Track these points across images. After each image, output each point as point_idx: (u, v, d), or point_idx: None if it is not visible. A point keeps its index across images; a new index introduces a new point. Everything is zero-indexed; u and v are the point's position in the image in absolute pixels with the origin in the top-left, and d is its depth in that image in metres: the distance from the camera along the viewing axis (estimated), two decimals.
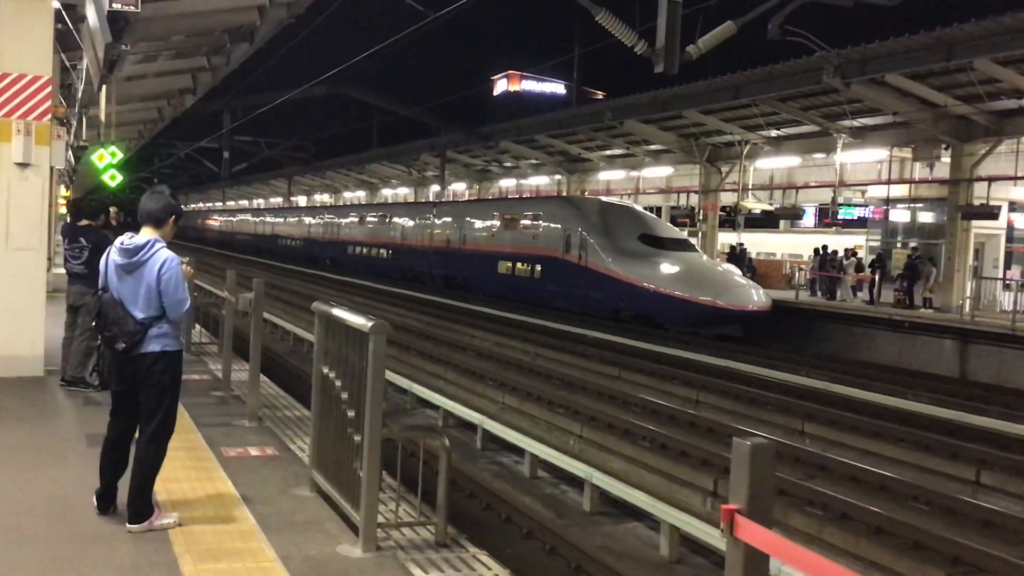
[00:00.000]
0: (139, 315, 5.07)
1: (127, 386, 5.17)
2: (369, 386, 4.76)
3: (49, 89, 9.50)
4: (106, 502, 5.27)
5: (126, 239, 5.16)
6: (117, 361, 5.14)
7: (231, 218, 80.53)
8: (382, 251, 42.49)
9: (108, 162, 19.16)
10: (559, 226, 27.50)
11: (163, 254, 5.10)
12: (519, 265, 29.71)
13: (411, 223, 39.42)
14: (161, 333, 5.11)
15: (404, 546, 5.07)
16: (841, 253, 26.53)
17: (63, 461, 6.44)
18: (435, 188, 47.26)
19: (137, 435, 5.22)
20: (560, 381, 15.75)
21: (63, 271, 9.56)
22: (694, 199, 31.83)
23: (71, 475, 6.03)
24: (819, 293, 26.59)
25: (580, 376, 16.30)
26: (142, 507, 5.08)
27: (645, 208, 30.91)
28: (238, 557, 4.76)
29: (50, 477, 6.03)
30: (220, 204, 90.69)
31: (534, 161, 39.62)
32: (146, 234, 5.20)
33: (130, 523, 5.06)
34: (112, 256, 5.17)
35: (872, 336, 21.44)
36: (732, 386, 15.37)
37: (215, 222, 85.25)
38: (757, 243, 35.34)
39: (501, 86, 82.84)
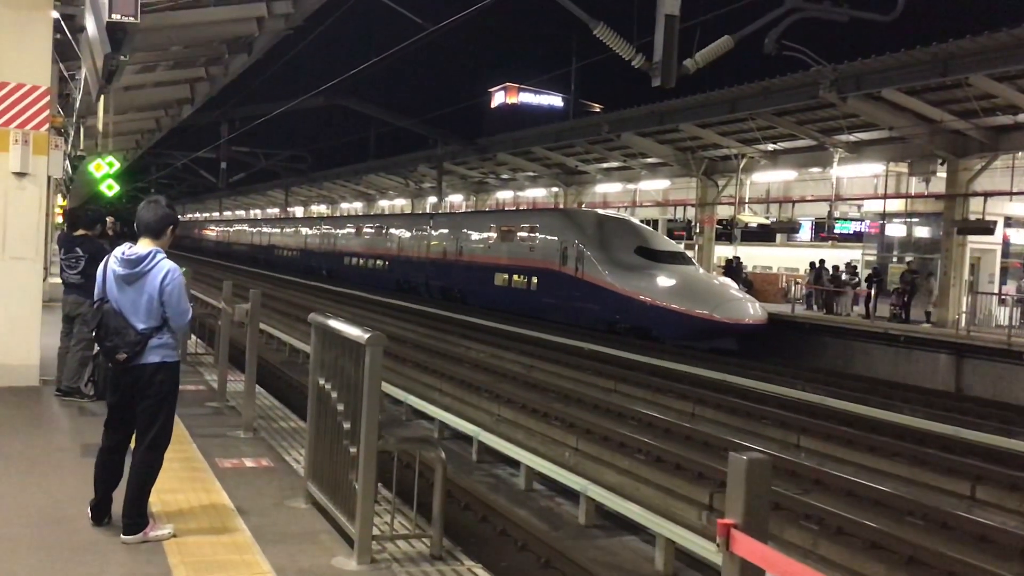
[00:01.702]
0: (140, 325, 5.07)
1: (124, 397, 5.16)
2: (365, 398, 4.75)
3: (47, 99, 9.52)
4: (100, 513, 5.26)
5: (126, 250, 5.16)
6: (116, 372, 5.13)
7: (228, 228, 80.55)
8: (379, 262, 42.50)
9: (105, 172, 19.19)
10: (556, 238, 27.54)
11: (165, 265, 5.11)
12: (515, 277, 29.73)
13: (408, 235, 39.46)
14: (161, 344, 5.13)
15: (399, 559, 5.06)
16: (842, 268, 26.58)
17: (58, 471, 6.42)
18: (432, 200, 47.29)
19: (133, 445, 5.21)
20: (556, 393, 15.74)
21: (59, 281, 9.56)
22: (691, 212, 31.87)
23: (65, 485, 6.01)
24: (815, 307, 26.64)
25: (576, 389, 16.29)
26: (137, 518, 5.06)
27: (642, 221, 30.96)
28: (232, 569, 4.75)
29: (44, 487, 6.01)
30: (217, 214, 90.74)
31: (531, 173, 39.67)
32: (145, 244, 5.19)
33: (125, 534, 5.05)
34: (111, 267, 5.16)
35: (868, 350, 21.46)
36: (728, 399, 15.36)
37: (212, 232, 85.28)
38: (753, 257, 35.38)
39: (499, 98, 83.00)
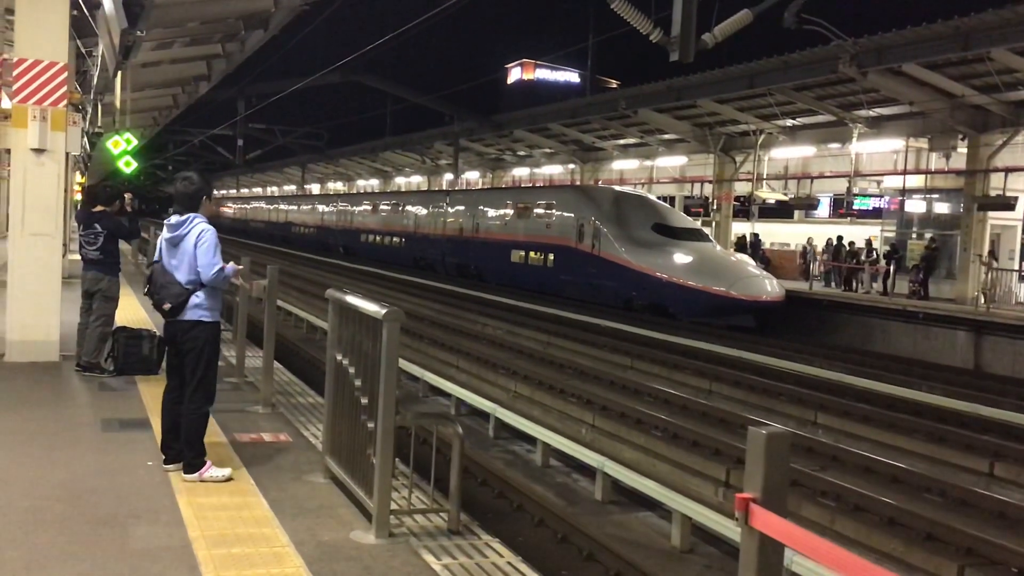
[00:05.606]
0: (183, 280, 5.76)
1: (172, 347, 5.90)
2: (382, 373, 4.76)
3: (65, 75, 9.52)
4: (168, 452, 5.90)
5: (171, 218, 5.87)
6: (165, 324, 5.89)
7: (245, 206, 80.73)
8: (395, 239, 42.54)
9: (123, 148, 19.25)
10: (572, 215, 27.48)
11: (200, 226, 5.81)
12: (532, 254, 29.70)
13: (424, 212, 39.46)
14: (198, 304, 5.78)
15: (417, 533, 5.09)
16: (860, 245, 26.45)
17: (78, 446, 6.47)
18: (448, 177, 47.23)
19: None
20: (572, 370, 15.74)
21: (78, 257, 9.60)
22: (708, 189, 31.73)
23: (86, 460, 6.07)
24: (833, 284, 26.51)
25: (592, 365, 16.29)
26: (192, 459, 5.73)
27: (659, 198, 30.84)
28: (251, 542, 4.78)
29: (65, 462, 6.06)
30: (234, 191, 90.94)
31: (548, 150, 39.54)
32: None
33: (184, 473, 5.73)
34: (162, 235, 5.94)
35: (886, 327, 21.35)
36: (745, 376, 15.32)
37: (229, 209, 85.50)
38: (771, 233, 35.25)
39: (515, 75, 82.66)
